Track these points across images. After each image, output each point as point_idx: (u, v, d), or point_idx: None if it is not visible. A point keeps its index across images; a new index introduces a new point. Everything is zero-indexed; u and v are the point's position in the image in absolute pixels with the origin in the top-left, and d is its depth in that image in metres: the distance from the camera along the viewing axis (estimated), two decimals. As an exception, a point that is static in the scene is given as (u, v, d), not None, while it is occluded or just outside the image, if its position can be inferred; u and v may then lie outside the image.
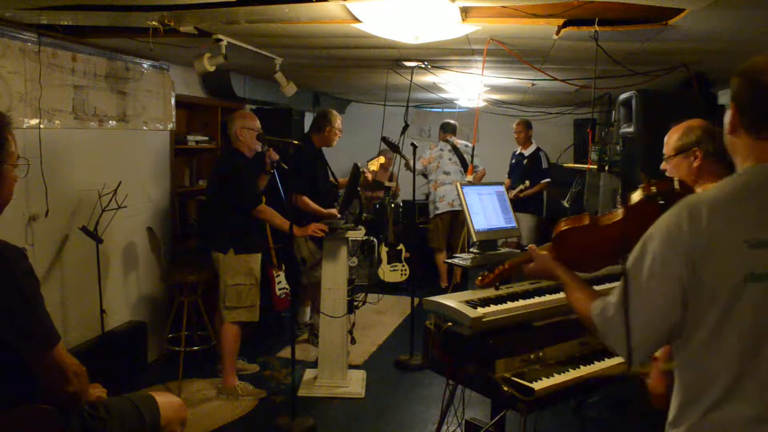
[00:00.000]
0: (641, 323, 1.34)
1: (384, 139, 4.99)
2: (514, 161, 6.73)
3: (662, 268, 1.30)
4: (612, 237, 1.77)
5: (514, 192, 6.17)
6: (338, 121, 4.91)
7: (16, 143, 1.87)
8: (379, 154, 6.63)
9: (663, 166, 2.33)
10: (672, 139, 2.32)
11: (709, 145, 2.22)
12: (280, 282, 4.63)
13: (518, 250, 3.30)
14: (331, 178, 5.08)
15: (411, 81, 4.81)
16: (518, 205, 6.35)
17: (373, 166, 5.33)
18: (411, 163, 5.27)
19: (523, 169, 6.47)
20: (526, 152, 6.48)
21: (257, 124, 4.12)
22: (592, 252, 1.83)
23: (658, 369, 1.74)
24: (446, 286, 6.61)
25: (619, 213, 1.79)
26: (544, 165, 6.36)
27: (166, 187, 4.91)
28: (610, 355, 2.52)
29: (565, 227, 1.82)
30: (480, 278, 2.08)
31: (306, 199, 4.67)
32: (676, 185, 1.73)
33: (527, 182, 6.28)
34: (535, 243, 3.15)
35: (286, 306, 4.74)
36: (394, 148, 5.02)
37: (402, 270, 6.41)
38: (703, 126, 2.28)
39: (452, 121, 6.84)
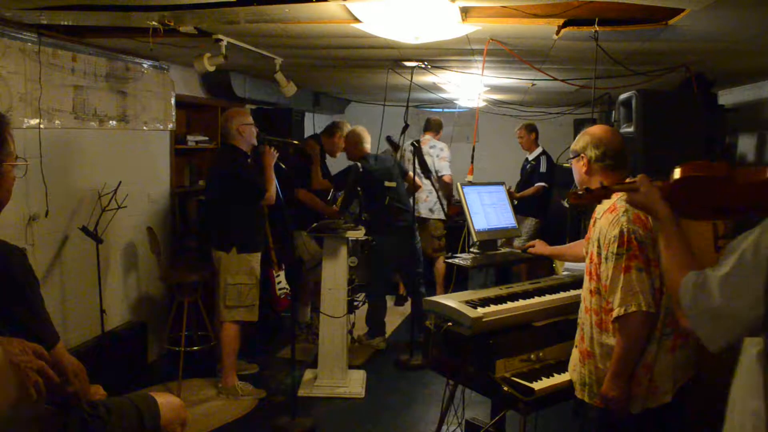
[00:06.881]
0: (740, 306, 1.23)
1: (388, 139, 5.01)
2: (524, 164, 6.67)
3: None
4: (749, 196, 1.53)
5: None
6: (346, 129, 5.19)
7: (15, 143, 1.87)
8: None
9: None
10: (573, 143, 2.34)
11: (593, 152, 2.23)
12: (280, 282, 4.63)
13: (518, 251, 3.30)
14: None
15: (411, 81, 4.81)
16: (518, 207, 6.32)
17: None
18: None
19: (524, 173, 6.45)
20: (531, 156, 6.44)
21: (251, 119, 4.23)
22: (712, 204, 1.61)
23: None
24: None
25: None
26: (542, 169, 6.26)
27: (166, 187, 4.91)
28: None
29: (695, 174, 1.60)
30: (574, 195, 1.89)
31: (310, 193, 4.76)
32: None
33: (512, 188, 6.26)
34: None
35: (286, 306, 4.74)
36: (396, 147, 5.02)
37: None
38: (594, 133, 2.27)
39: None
